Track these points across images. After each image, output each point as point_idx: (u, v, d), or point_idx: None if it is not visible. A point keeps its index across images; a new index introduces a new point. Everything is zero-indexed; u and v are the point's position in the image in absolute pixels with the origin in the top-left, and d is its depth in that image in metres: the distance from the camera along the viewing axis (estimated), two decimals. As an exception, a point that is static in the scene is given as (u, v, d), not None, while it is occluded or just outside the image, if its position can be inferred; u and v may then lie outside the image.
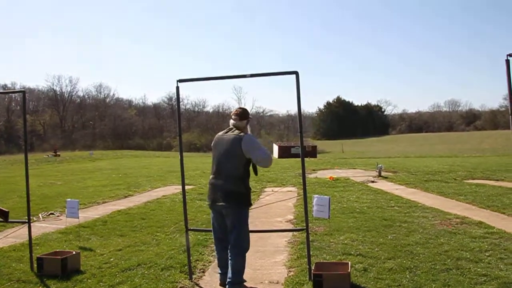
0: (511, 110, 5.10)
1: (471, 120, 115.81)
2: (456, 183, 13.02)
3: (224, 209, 4.45)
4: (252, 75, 4.99)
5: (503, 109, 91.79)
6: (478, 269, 4.89)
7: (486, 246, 5.86)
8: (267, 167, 4.69)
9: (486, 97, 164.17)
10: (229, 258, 4.44)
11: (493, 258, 5.32)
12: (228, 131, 4.64)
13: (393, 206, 9.18)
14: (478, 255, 5.44)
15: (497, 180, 13.38)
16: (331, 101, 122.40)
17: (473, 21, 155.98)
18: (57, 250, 5.73)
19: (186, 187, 11.18)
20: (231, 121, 4.65)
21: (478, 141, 71.26)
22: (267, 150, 4.62)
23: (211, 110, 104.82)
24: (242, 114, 4.69)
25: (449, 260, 5.28)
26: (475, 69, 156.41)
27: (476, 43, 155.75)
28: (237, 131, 4.56)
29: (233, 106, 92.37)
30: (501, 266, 4.99)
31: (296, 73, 4.72)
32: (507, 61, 4.75)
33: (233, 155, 4.44)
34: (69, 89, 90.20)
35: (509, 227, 6.88)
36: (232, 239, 4.44)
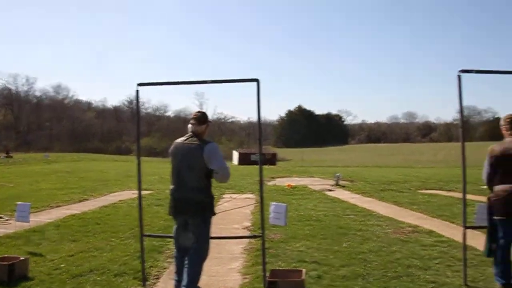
0: (461, 124, 5.31)
1: (427, 132, 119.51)
2: (410, 193, 13.36)
3: (187, 220, 4.36)
4: (212, 81, 5.00)
5: (457, 122, 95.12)
6: (427, 276, 5.06)
7: (436, 254, 6.05)
8: (223, 182, 4.56)
9: (441, 110, 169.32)
10: (187, 266, 4.35)
11: (442, 265, 5.52)
12: (188, 138, 4.43)
13: (349, 215, 9.35)
14: (427, 263, 5.61)
15: (449, 190, 13.80)
16: (292, 109, 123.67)
17: (431, 37, 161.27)
18: (5, 255, 5.52)
19: (144, 192, 11.10)
20: (190, 126, 4.46)
21: (433, 152, 73.50)
22: (227, 165, 4.49)
23: (172, 115, 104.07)
24: (201, 118, 4.48)
25: (400, 267, 5.42)
26: (431, 82, 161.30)
27: (433, 57, 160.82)
28: (196, 138, 4.38)
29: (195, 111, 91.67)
30: (448, 273, 5.18)
31: (257, 80, 4.75)
32: (459, 77, 4.93)
33: (195, 165, 4.28)
34: (25, 89, 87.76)
35: (457, 236, 7.08)
36: (193, 248, 4.35)
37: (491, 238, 4.76)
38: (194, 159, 4.27)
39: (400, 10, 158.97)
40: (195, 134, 4.42)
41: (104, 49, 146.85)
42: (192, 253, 4.34)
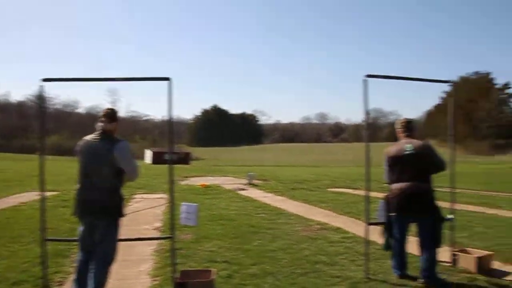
0: (367, 126, 5.59)
1: (338, 132, 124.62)
2: (320, 191, 13.85)
3: (94, 221, 4.13)
4: (123, 79, 4.84)
5: (364, 123, 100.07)
6: (333, 271, 5.25)
7: (342, 250, 6.31)
8: (132, 181, 4.46)
9: (351, 112, 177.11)
10: (94, 269, 4.14)
11: (347, 260, 5.76)
12: (97, 135, 4.20)
13: (261, 214, 9.49)
14: (334, 259, 5.83)
15: (355, 189, 14.48)
16: (207, 109, 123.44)
17: (340, 42, 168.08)
18: None
19: (49, 193, 10.52)
20: (99, 124, 4.22)
21: (343, 152, 76.59)
22: (137, 163, 4.37)
23: (83, 112, 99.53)
24: (112, 115, 4.28)
25: (308, 264, 5.58)
26: (342, 84, 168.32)
27: (344, 61, 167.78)
28: (106, 136, 4.18)
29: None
30: (353, 268, 5.41)
31: (168, 79, 4.66)
32: (365, 81, 5.21)
33: (105, 164, 4.08)
34: None
35: (362, 232, 7.40)
36: (101, 252, 4.14)
37: (389, 233, 5.14)
38: (104, 158, 4.08)
39: (311, 11, 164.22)
40: (105, 132, 4.22)
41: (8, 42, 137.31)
42: (99, 257, 4.14)
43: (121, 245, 5.40)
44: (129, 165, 4.20)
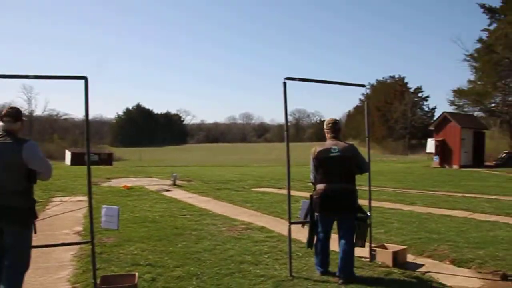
0: (286, 127, 5.72)
1: (262, 132, 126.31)
2: (245, 191, 13.94)
3: (3, 228, 3.85)
4: (36, 77, 4.57)
5: (289, 123, 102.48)
6: (257, 271, 5.31)
7: (266, 249, 6.39)
8: (46, 180, 4.27)
9: (275, 112, 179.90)
10: (6, 279, 3.87)
11: (271, 259, 5.84)
12: (1, 136, 3.92)
13: (185, 215, 9.40)
14: (258, 258, 5.90)
15: (280, 188, 14.69)
16: (130, 108, 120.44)
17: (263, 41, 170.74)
18: None
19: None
20: (3, 124, 3.97)
21: (267, 152, 77.58)
22: (49, 162, 4.19)
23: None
24: (17, 114, 4.04)
25: (233, 264, 5.60)
26: (266, 84, 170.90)
27: (265, 62, 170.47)
28: (11, 136, 3.91)
29: (21, 106, 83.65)
30: (277, 266, 5.51)
31: (85, 78, 4.48)
32: (284, 84, 5.36)
33: (13, 166, 3.83)
34: None
35: (286, 231, 7.56)
36: (11, 259, 3.87)
37: (312, 231, 5.28)
38: (12, 160, 3.83)
39: (231, 12, 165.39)
40: (9, 132, 3.95)
41: None
42: (10, 266, 3.87)
43: (37, 252, 5.15)
44: (42, 164, 4.02)
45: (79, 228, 8.05)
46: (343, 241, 5.09)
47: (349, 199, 5.08)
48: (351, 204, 5.10)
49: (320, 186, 5.12)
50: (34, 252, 4.41)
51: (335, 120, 5.41)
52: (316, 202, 5.12)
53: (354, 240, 5.18)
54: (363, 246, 5.35)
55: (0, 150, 3.86)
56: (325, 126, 5.39)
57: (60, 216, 9.16)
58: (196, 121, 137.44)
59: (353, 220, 5.15)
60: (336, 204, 5.03)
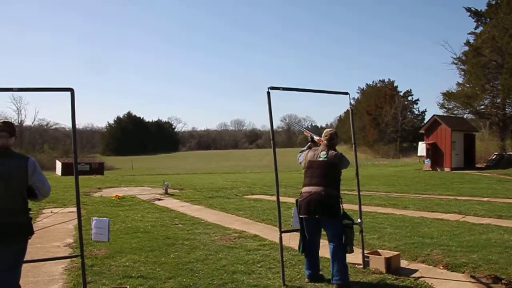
0: (272, 135, 5.73)
1: (254, 138, 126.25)
2: (237, 199, 13.88)
3: (3, 248, 3.71)
4: (20, 89, 4.49)
5: (280, 129, 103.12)
6: (250, 280, 5.26)
7: (259, 258, 6.34)
8: (43, 199, 4.14)
9: (266, 118, 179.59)
10: None
11: (264, 268, 5.80)
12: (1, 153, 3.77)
13: (177, 224, 9.32)
14: (251, 267, 5.85)
15: (272, 195, 14.64)
16: (121, 116, 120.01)
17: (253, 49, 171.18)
18: None
19: None
20: None
21: (259, 158, 77.64)
22: (47, 180, 4.06)
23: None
24: (11, 129, 3.89)
25: (226, 274, 5.55)
26: (256, 92, 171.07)
27: (256, 69, 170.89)
28: (11, 152, 3.80)
29: (11, 117, 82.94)
30: (270, 276, 5.46)
31: (71, 90, 4.45)
32: (268, 93, 5.50)
33: (14, 183, 3.72)
34: None
35: (278, 239, 7.57)
36: (8, 280, 3.75)
37: (303, 235, 5.32)
38: (16, 176, 3.73)
39: (222, 26, 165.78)
40: (5, 148, 3.81)
41: None
42: (5, 285, 3.75)
43: (27, 266, 5.07)
44: (43, 181, 3.92)
45: (70, 240, 7.95)
46: (331, 245, 5.14)
47: (331, 203, 5.09)
48: (332, 208, 5.10)
49: (305, 189, 5.22)
50: (23, 267, 4.30)
51: (333, 134, 5.45)
52: (300, 205, 5.21)
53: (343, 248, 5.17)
54: (352, 251, 5.33)
55: (5, 167, 3.74)
56: (323, 135, 5.50)
57: (51, 228, 9.04)
58: (188, 128, 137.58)
59: (338, 225, 5.16)
60: (317, 207, 5.06)
